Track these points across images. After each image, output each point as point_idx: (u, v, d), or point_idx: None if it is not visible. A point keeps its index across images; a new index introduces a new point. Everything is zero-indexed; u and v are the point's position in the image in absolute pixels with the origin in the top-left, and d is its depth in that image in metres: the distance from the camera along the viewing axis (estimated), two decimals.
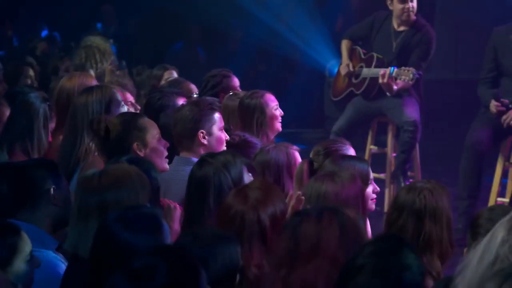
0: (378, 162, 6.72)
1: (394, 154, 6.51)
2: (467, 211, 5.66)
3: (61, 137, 4.35)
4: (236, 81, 5.29)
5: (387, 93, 6.25)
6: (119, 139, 3.62)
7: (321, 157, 3.79)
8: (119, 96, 4.24)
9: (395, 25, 6.51)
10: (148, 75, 6.35)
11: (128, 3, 9.74)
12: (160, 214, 2.60)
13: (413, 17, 6.44)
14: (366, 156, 6.47)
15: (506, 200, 5.93)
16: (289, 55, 9.69)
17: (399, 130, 6.43)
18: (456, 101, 8.89)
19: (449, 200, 3.19)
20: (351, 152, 3.95)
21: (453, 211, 5.85)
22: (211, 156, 3.34)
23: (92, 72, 5.54)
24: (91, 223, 2.73)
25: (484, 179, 6.04)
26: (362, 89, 6.52)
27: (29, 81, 6.33)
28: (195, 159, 3.89)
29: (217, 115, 4.06)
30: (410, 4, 6.35)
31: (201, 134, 3.96)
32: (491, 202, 5.94)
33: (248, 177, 3.32)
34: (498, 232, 2.13)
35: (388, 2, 6.46)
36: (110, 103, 4.14)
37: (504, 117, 5.67)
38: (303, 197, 3.17)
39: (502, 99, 5.75)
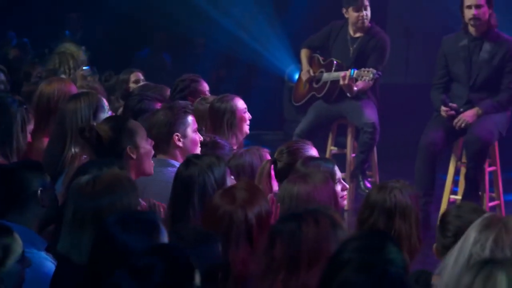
0: (338, 162, 6.69)
1: (353, 155, 6.52)
2: (424, 208, 5.67)
3: (43, 139, 4.33)
4: (205, 86, 5.27)
5: (348, 94, 6.26)
6: (111, 144, 3.57)
7: (285, 156, 3.79)
8: (104, 102, 4.23)
9: (351, 32, 6.55)
10: (116, 80, 6.32)
11: (95, 11, 9.62)
12: (158, 218, 2.57)
13: (367, 24, 6.48)
14: (327, 157, 6.50)
15: (459, 197, 6.06)
16: (250, 60, 9.63)
17: (359, 132, 6.44)
18: (406, 104, 8.89)
19: (417, 198, 3.20)
20: (313, 151, 3.96)
21: None
22: (196, 157, 3.33)
23: (63, 77, 5.49)
24: (86, 228, 2.72)
25: (438, 177, 6.10)
26: (323, 92, 6.52)
27: (2, 86, 6.25)
28: (172, 161, 3.95)
29: (190, 118, 4.06)
30: (364, 12, 6.40)
31: (176, 137, 3.96)
32: (444, 200, 6.03)
33: (230, 179, 3.32)
34: (471, 233, 2.22)
35: (344, 11, 6.49)
36: (97, 109, 4.12)
37: (455, 120, 5.76)
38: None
39: (450, 104, 5.84)
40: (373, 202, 3.05)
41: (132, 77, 6.25)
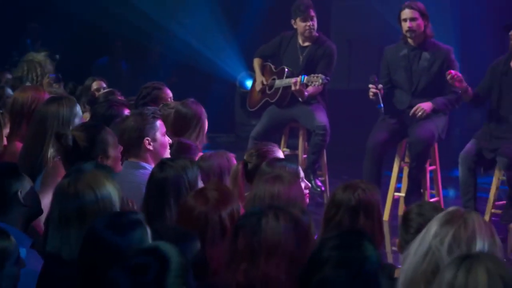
0: None
1: (305, 156, 6.51)
2: None
3: (15, 143, 4.28)
4: (168, 93, 5.22)
5: (300, 99, 6.25)
6: (86, 151, 3.54)
7: (254, 158, 3.79)
8: (79, 107, 4.23)
9: (300, 42, 6.54)
10: (82, 88, 6.27)
11: (56, 21, 9.42)
12: (143, 218, 2.54)
13: (314, 33, 6.48)
14: None
15: (402, 194, 6.13)
16: (204, 68, 9.49)
17: (310, 134, 6.44)
18: (349, 108, 8.96)
19: (379, 197, 3.20)
20: (280, 153, 3.97)
21: None
22: (171, 160, 3.31)
23: (36, 85, 5.43)
24: (72, 227, 2.70)
25: (384, 174, 6.14)
26: (276, 98, 6.52)
27: None
28: (143, 163, 3.94)
29: (159, 122, 4.05)
30: (311, 22, 6.40)
31: (147, 141, 3.94)
32: (389, 196, 6.09)
33: (201, 182, 3.31)
34: (432, 226, 2.21)
35: (293, 22, 6.50)
36: (76, 114, 4.10)
37: (413, 109, 5.77)
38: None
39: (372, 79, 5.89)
40: (339, 201, 3.03)
41: (94, 85, 6.21)
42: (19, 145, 4.27)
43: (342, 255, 2.13)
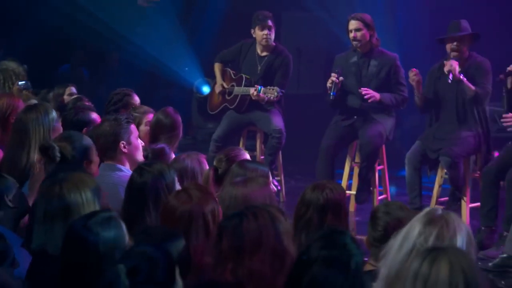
0: None
1: (262, 157, 6.55)
2: None
3: None
4: (136, 99, 5.23)
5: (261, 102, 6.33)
6: (74, 161, 3.53)
7: (224, 163, 3.81)
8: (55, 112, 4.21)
9: (259, 51, 6.58)
10: (53, 95, 6.20)
11: (17, 30, 9.27)
12: (117, 215, 2.55)
13: (271, 43, 6.51)
14: None
15: (353, 192, 6.20)
16: (162, 74, 9.42)
17: (267, 137, 6.49)
18: (298, 113, 9.00)
19: (345, 196, 3.25)
20: (246, 156, 4.01)
21: None
22: (148, 165, 3.30)
23: (11, 93, 5.36)
24: (57, 224, 2.71)
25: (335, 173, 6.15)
26: (235, 104, 6.56)
27: None
28: (118, 165, 3.96)
29: (132, 127, 4.09)
30: (268, 32, 6.43)
31: (122, 145, 3.97)
32: None
33: (178, 184, 3.31)
34: (415, 225, 2.24)
35: (252, 31, 6.53)
36: (54, 118, 4.11)
37: (365, 92, 5.79)
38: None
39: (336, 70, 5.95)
40: (308, 200, 3.08)
41: (67, 91, 6.17)
42: None
43: (330, 254, 2.13)
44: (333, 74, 5.93)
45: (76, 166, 3.41)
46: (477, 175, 5.78)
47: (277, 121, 6.39)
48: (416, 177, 5.66)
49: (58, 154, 3.43)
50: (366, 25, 5.96)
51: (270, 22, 6.43)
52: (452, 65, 5.40)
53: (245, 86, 6.47)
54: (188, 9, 9.64)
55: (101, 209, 2.73)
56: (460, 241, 2.23)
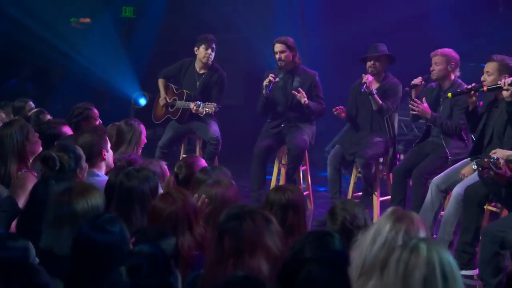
0: None
1: None
2: (259, 199, 5.88)
3: None
4: (96, 112, 5.24)
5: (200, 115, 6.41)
6: (71, 169, 3.53)
7: (184, 169, 3.86)
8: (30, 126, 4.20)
9: (198, 69, 6.66)
10: (13, 108, 6.10)
11: None
12: (117, 216, 2.56)
13: (210, 62, 6.63)
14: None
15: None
16: (102, 87, 9.34)
17: (205, 144, 6.60)
18: (231, 121, 8.91)
19: (303, 197, 3.31)
20: (203, 162, 4.06)
21: (249, 200, 6.07)
22: (137, 171, 3.31)
23: None
24: (65, 228, 2.74)
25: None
26: (177, 116, 6.63)
27: None
28: (96, 171, 3.96)
29: (106, 137, 4.14)
30: (211, 52, 6.58)
31: (103, 153, 4.01)
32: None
33: (161, 188, 3.36)
34: (385, 222, 2.35)
35: (196, 49, 6.62)
36: (28, 132, 4.09)
37: (296, 93, 5.92)
38: (206, 200, 3.17)
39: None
40: (272, 201, 3.13)
41: (27, 107, 6.08)
42: None
43: (322, 254, 2.13)
44: (271, 75, 6.10)
45: (71, 173, 3.43)
46: (385, 173, 6.09)
47: (214, 130, 6.51)
48: (336, 175, 5.92)
49: (57, 164, 3.43)
50: (289, 47, 6.17)
51: (214, 45, 6.59)
52: (368, 78, 5.74)
53: (186, 100, 6.55)
54: (128, 30, 9.60)
55: (103, 212, 2.77)
56: (423, 234, 2.36)
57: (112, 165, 4.08)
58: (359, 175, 6.04)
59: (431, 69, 5.48)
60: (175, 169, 3.90)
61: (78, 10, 9.58)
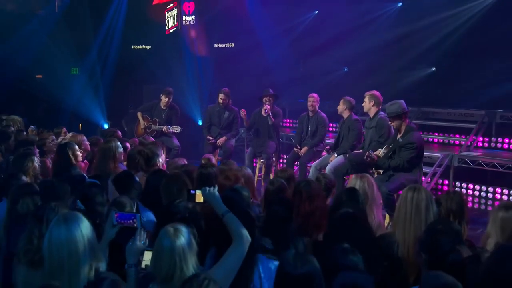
0: None
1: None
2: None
3: None
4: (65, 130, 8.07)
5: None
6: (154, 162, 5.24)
7: (209, 168, 4.60)
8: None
9: (162, 106, 9.63)
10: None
11: None
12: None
13: (169, 104, 9.44)
14: None
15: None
16: (81, 117, 11.43)
17: (170, 150, 9.10)
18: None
19: (294, 175, 4.36)
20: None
21: None
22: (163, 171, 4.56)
23: None
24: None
25: None
26: (153, 134, 9.48)
27: None
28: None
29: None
30: (168, 99, 9.46)
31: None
32: None
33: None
34: (356, 182, 3.46)
35: (161, 95, 9.51)
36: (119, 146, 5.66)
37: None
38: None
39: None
40: (291, 176, 4.27)
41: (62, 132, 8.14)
42: None
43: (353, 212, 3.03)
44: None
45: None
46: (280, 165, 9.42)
47: (176, 141, 9.37)
48: (250, 167, 9.08)
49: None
50: (226, 95, 9.37)
51: (171, 96, 9.55)
52: (266, 108, 8.92)
53: (158, 125, 9.63)
54: (92, 72, 11.73)
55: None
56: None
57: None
58: (263, 165, 9.07)
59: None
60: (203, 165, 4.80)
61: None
